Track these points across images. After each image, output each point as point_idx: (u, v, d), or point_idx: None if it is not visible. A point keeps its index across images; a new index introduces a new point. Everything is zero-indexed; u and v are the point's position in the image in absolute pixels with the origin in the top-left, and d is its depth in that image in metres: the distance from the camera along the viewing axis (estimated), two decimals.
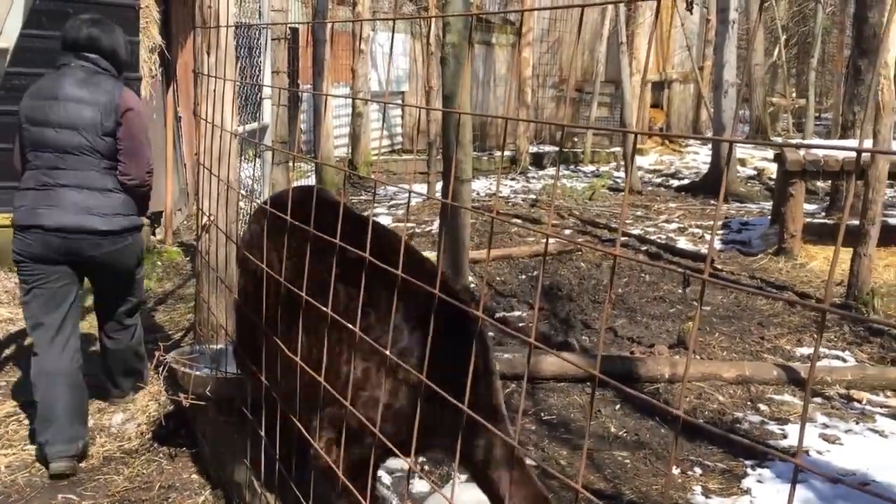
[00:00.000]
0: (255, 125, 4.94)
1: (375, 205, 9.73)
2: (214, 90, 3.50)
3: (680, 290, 6.01)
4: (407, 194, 10.09)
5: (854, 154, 7.06)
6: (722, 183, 0.89)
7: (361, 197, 10.37)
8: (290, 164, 7.16)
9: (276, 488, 2.85)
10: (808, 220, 7.88)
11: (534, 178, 12.65)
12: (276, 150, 4.82)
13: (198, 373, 3.38)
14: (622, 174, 11.72)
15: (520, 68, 14.14)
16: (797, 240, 7.13)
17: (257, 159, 5.20)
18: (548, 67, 16.44)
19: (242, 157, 5.74)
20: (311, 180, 8.53)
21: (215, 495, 3.23)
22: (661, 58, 17.52)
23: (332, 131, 9.11)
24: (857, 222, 6.05)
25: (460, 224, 5.64)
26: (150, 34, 6.78)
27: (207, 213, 3.66)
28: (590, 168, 14.07)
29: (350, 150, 11.81)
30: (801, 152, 7.30)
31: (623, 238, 7.77)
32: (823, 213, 9.17)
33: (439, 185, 9.58)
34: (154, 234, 7.10)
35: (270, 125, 5.11)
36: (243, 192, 5.61)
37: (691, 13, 14.63)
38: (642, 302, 5.86)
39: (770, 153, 14.57)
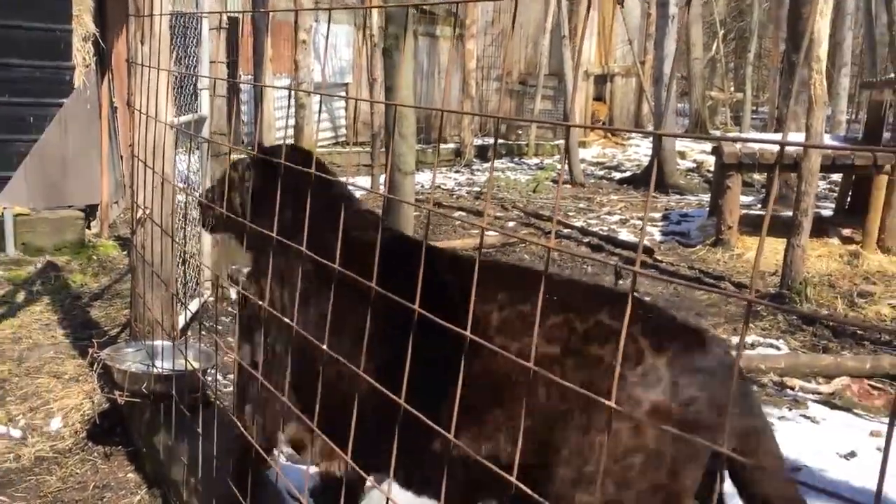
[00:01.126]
0: (191, 116, 4.84)
1: None
2: (148, 80, 3.42)
3: (620, 283, 6.09)
4: (349, 187, 10.03)
5: (790, 148, 7.23)
6: (652, 175, 0.89)
7: None
8: (229, 155, 7.06)
9: (214, 486, 2.80)
10: (745, 211, 8.05)
11: (478, 170, 12.69)
12: (213, 142, 4.74)
13: (133, 369, 3.30)
14: (566, 166, 11.83)
15: (464, 60, 14.15)
16: (734, 231, 7.28)
17: (196, 151, 5.11)
18: (492, 59, 16.49)
19: (181, 150, 5.63)
20: None
21: (152, 494, 3.16)
22: (604, 52, 17.71)
23: (274, 123, 9.00)
24: (790, 214, 6.20)
25: (402, 217, 5.62)
26: (84, 22, 6.59)
27: (142, 207, 3.58)
28: (534, 160, 14.17)
29: (294, 142, 11.68)
30: (738, 145, 7.45)
31: (566, 230, 7.84)
32: (759, 205, 9.39)
33: (383, 178, 9.54)
34: (89, 227, 6.92)
35: (208, 116, 5.01)
36: (181, 184, 5.51)
37: (622, 7, 14.81)
38: None
39: (709, 146, 14.86)
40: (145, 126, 3.49)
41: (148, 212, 3.56)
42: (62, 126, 6.61)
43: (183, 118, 4.65)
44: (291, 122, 11.92)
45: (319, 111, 1.95)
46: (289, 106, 12.00)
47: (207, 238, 4.97)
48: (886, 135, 8.22)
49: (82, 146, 6.80)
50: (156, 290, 3.57)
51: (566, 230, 7.85)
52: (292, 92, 11.42)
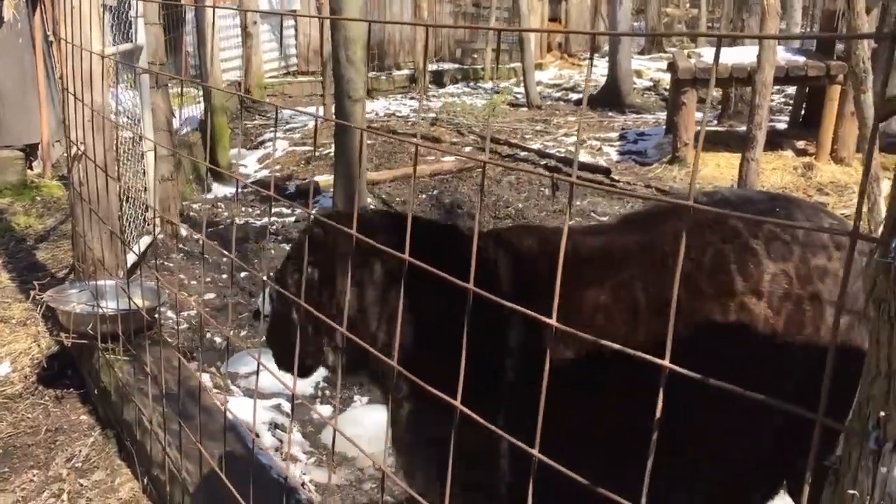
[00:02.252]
0: (128, 46, 4.62)
1: (271, 129, 9.42)
2: (72, 7, 3.23)
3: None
4: (302, 117, 9.74)
5: (743, 61, 7.16)
6: (585, 91, 0.83)
7: (256, 122, 10.02)
8: (179, 89, 6.80)
9: (166, 424, 2.75)
10: (701, 127, 8.03)
11: (434, 96, 12.47)
12: (151, 72, 4.54)
13: (77, 311, 3.21)
14: (522, 90, 11.66)
15: None
16: (690, 147, 7.26)
17: (134, 84, 4.90)
18: None
19: (123, 83, 5.40)
20: (200, 106, 8.15)
21: (105, 435, 3.11)
22: None
23: (219, 54, 8.69)
24: (746, 128, 6.18)
25: (351, 145, 5.49)
26: None
27: (76, 143, 3.43)
28: (490, 84, 13.95)
29: (243, 73, 11.35)
30: (692, 61, 7.38)
31: (522, 153, 7.76)
32: (715, 121, 9.37)
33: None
34: (31, 167, 6.69)
35: (145, 46, 4.80)
36: (127, 118, 5.31)
37: None
38: (542, 216, 5.89)
39: (665, 64, 14.74)
40: (73, 57, 3.31)
41: (83, 148, 3.41)
42: None
43: (121, 47, 4.44)
44: (239, 52, 11.56)
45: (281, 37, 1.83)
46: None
47: (152, 172, 4.81)
48: (839, 46, 8.18)
49: (17, 82, 6.51)
50: (97, 229, 3.45)
51: (523, 153, 7.77)
52: (238, 19, 11.05)
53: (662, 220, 1.93)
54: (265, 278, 1.88)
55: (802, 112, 8.40)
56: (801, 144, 7.53)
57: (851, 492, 0.85)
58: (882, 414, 0.82)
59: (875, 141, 2.99)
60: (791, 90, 10.21)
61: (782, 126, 8.50)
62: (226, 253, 2.30)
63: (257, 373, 1.92)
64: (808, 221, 1.93)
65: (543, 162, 7.46)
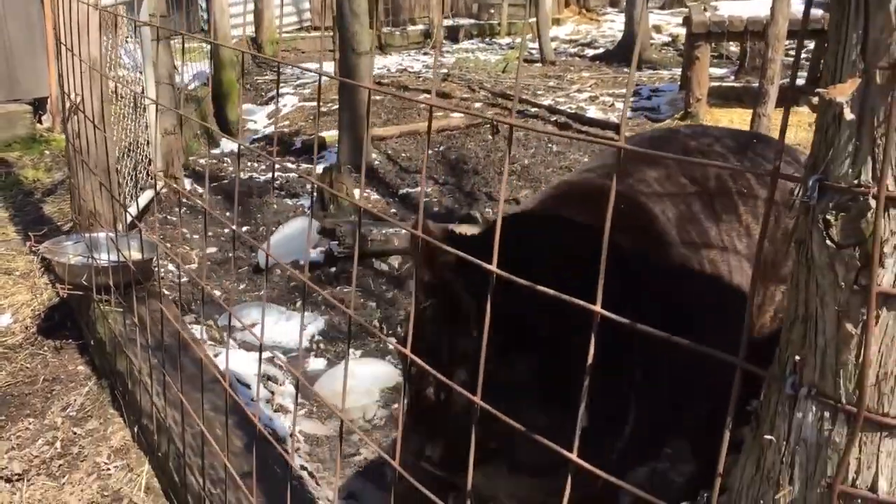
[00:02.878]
0: None
1: (283, 84, 9.37)
2: None
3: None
4: (311, 73, 9.73)
5: (759, 14, 6.99)
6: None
7: (267, 76, 9.97)
8: (184, 44, 6.76)
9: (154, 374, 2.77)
10: (717, 83, 7.89)
11: (448, 51, 12.32)
12: (151, 25, 4.51)
13: (72, 262, 3.24)
14: (536, 45, 11.49)
15: None
16: (703, 103, 7.14)
17: (136, 36, 4.88)
18: None
19: (127, 36, 5.37)
20: (206, 63, 8.11)
21: (100, 385, 3.15)
22: None
23: (229, 9, 8.61)
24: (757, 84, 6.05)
25: (356, 101, 5.46)
26: None
27: (71, 95, 3.42)
28: (506, 40, 13.76)
29: (255, 28, 11.26)
30: (707, 14, 7.22)
31: (533, 109, 7.67)
32: (732, 77, 9.20)
33: None
34: (40, 121, 6.71)
35: None
36: (130, 69, 5.29)
37: None
38: (548, 172, 5.84)
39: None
40: (68, 6, 3.29)
41: (78, 100, 3.41)
42: None
43: None
44: (250, 6, 11.46)
45: None
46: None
47: (155, 126, 4.81)
48: None
49: (25, 36, 6.50)
50: (94, 182, 3.46)
51: (533, 109, 7.68)
52: None
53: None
54: (270, 231, 1.87)
55: (820, 67, 8.21)
56: (817, 100, 7.37)
57: (768, 437, 0.83)
58: (797, 358, 0.80)
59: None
60: (810, 45, 9.98)
61: (801, 82, 8.33)
62: (226, 211, 2.28)
63: (262, 326, 1.92)
64: (744, 150, 1.88)
65: (553, 118, 7.37)
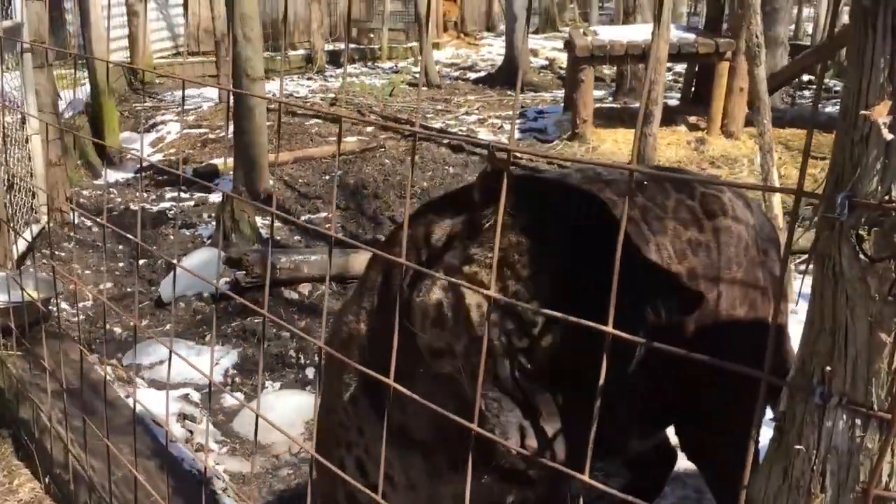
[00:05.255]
0: (8, 23, 4.33)
1: (163, 111, 9.07)
2: None
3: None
4: (196, 99, 9.36)
5: (637, 39, 7.32)
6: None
7: (147, 104, 9.63)
8: (68, 70, 6.42)
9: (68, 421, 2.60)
10: (598, 105, 8.18)
11: (332, 76, 12.28)
12: (34, 45, 4.28)
13: None
14: (419, 69, 11.62)
15: None
16: (589, 124, 7.38)
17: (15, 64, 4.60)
18: None
19: (4, 63, 5.07)
20: (84, 89, 7.75)
21: (0, 436, 2.93)
22: None
23: (104, 33, 8.26)
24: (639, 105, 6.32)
25: (255, 126, 5.34)
26: None
27: None
28: (388, 64, 13.83)
29: (129, 54, 10.86)
30: (589, 38, 7.49)
31: (425, 132, 7.72)
32: (611, 98, 9.58)
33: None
34: None
35: (26, 24, 4.51)
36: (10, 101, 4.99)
37: None
38: None
39: (559, 43, 14.96)
40: None
41: None
42: None
43: None
44: (124, 31, 11.05)
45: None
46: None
47: (40, 157, 4.55)
48: (725, 25, 8.49)
49: None
50: None
51: (425, 131, 7.73)
52: None
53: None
54: (175, 262, 1.79)
55: (693, 88, 8.67)
56: (693, 119, 7.77)
57: (798, 447, 0.86)
58: (828, 369, 0.83)
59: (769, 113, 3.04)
60: (679, 68, 10.53)
61: (673, 103, 8.75)
62: (130, 236, 2.16)
63: (169, 361, 1.83)
64: (716, 192, 1.97)
65: (446, 140, 7.44)
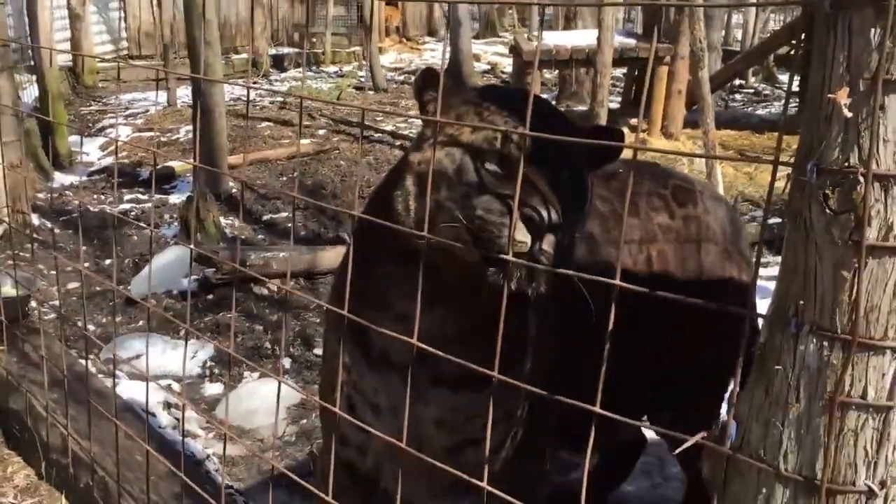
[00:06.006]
0: None
1: (110, 115, 9.03)
2: None
3: None
4: (142, 102, 9.35)
5: (581, 44, 7.59)
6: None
7: (92, 108, 9.56)
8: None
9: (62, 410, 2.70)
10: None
11: (277, 80, 12.34)
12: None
13: None
14: (365, 73, 11.75)
15: None
16: None
17: None
18: None
19: None
20: (33, 90, 7.71)
21: None
22: None
23: (52, 35, 8.21)
24: (583, 108, 6.60)
25: (215, 129, 5.44)
26: None
27: None
28: (332, 68, 13.94)
29: (72, 58, 10.74)
30: (534, 43, 7.76)
31: (376, 135, 7.89)
32: (554, 102, 9.87)
33: (181, 91, 9.07)
34: None
35: None
36: None
37: None
38: None
39: (500, 48, 15.28)
40: None
41: None
42: None
43: None
44: (66, 34, 10.94)
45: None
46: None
47: (1, 160, 4.56)
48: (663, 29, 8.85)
49: None
50: None
51: (377, 135, 7.89)
52: (67, 1, 10.46)
53: None
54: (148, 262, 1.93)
55: (633, 91, 9.02)
56: (633, 122, 8.10)
57: (777, 367, 1.06)
58: (800, 303, 1.03)
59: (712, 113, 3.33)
60: (619, 72, 10.90)
61: (614, 105, 9.09)
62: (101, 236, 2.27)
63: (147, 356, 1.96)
64: (687, 184, 2.20)
65: (398, 143, 7.62)
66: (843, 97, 0.95)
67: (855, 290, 0.97)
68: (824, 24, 0.98)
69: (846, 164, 0.96)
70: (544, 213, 1.30)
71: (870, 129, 0.94)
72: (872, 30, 0.93)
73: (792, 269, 1.05)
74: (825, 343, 1.02)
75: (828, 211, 0.98)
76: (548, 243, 1.31)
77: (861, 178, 0.94)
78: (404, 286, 1.43)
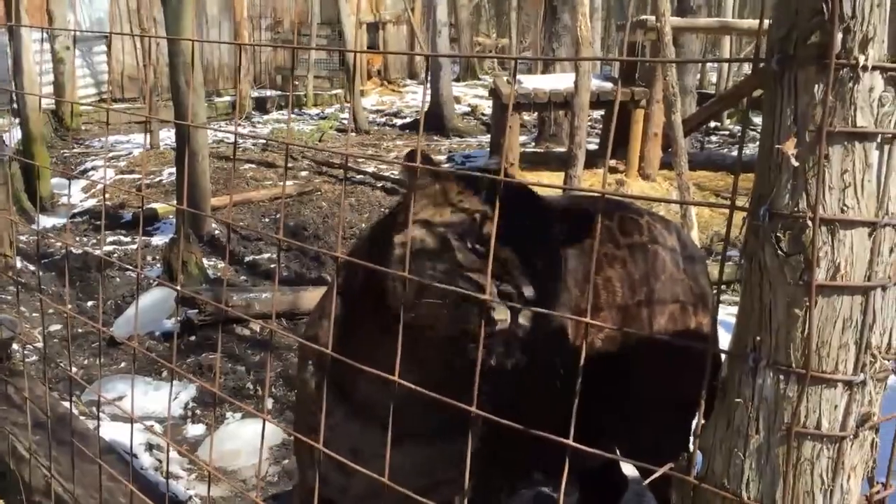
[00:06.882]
0: None
1: (93, 157, 9.07)
2: None
3: None
4: (125, 145, 9.41)
5: (559, 87, 7.75)
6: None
7: (75, 150, 9.60)
8: None
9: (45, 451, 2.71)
10: (522, 149, 8.59)
11: (259, 122, 12.45)
12: None
13: None
14: (347, 115, 11.89)
15: (234, 10, 13.70)
16: (516, 168, 7.76)
17: None
18: (262, 9, 16.07)
19: None
20: (15, 133, 7.74)
21: None
22: None
23: (37, 79, 8.27)
24: (562, 150, 6.73)
25: (199, 171, 5.50)
26: None
27: None
28: (314, 111, 14.07)
29: (55, 101, 10.81)
30: (514, 87, 7.91)
31: (358, 176, 7.97)
32: (533, 143, 10.04)
33: (164, 134, 9.14)
34: None
35: None
36: None
37: None
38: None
39: (480, 91, 15.51)
40: None
41: None
42: None
43: None
44: (50, 78, 11.02)
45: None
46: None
47: None
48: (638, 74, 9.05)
49: None
50: None
51: (359, 176, 7.98)
52: (50, 45, 10.55)
53: None
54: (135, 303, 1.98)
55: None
56: (612, 163, 8.24)
57: (737, 400, 1.13)
58: (758, 339, 1.10)
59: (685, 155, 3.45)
60: (596, 115, 11.09)
61: (592, 147, 9.25)
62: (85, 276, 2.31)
63: (132, 398, 2.00)
64: (634, 215, 2.28)
65: (380, 184, 7.71)
66: (790, 148, 1.02)
67: (807, 327, 1.04)
68: (772, 80, 1.07)
69: (795, 209, 1.04)
70: (523, 290, 1.40)
71: (816, 177, 1.02)
72: (816, 86, 1.02)
73: (749, 306, 1.12)
74: (781, 377, 1.08)
75: (780, 253, 1.05)
76: (525, 318, 1.41)
77: (809, 223, 1.02)
78: (387, 350, 1.50)
